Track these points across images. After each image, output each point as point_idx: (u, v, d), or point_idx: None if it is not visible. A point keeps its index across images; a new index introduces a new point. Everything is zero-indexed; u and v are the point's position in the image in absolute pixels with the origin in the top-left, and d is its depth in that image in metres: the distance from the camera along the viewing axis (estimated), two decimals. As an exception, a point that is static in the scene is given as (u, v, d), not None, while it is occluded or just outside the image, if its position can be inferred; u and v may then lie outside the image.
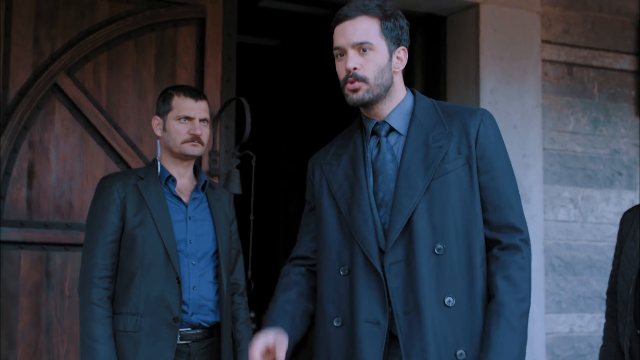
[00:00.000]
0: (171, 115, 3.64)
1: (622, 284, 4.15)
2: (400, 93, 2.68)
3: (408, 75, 5.44)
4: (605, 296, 4.38)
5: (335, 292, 2.64)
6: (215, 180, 4.57)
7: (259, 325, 7.11)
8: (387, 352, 2.55)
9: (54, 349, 4.39)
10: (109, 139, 4.53)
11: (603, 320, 4.38)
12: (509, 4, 5.27)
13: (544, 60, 5.38)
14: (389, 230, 2.56)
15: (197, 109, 3.64)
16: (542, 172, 5.31)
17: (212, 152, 4.59)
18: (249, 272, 4.32)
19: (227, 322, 3.62)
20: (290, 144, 7.44)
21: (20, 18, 4.41)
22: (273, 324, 2.66)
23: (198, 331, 3.56)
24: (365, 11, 2.59)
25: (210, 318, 3.59)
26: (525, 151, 5.24)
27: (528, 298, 2.57)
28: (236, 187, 4.47)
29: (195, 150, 3.62)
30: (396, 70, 2.64)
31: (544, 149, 5.34)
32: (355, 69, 2.56)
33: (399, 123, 2.66)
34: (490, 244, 2.60)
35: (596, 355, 4.71)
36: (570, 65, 5.48)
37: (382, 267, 2.56)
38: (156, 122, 3.70)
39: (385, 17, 2.59)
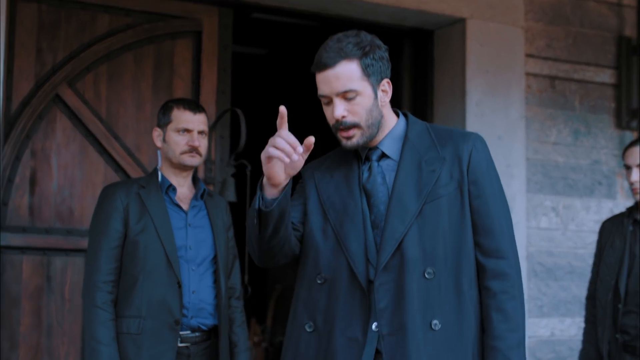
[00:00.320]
0: (171, 127, 3.72)
1: (601, 290, 4.27)
2: (390, 121, 2.65)
3: (396, 88, 5.48)
4: (584, 301, 4.49)
5: (309, 298, 2.61)
6: (211, 188, 4.66)
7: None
8: None
9: (54, 350, 4.44)
10: (108, 147, 4.60)
11: (583, 325, 4.48)
12: (494, 19, 5.28)
13: (527, 74, 5.40)
14: (380, 252, 2.53)
15: (196, 121, 3.72)
16: (525, 182, 5.34)
17: (208, 161, 4.67)
18: (246, 277, 4.43)
19: (224, 325, 3.71)
20: None
21: (23, 30, 4.48)
22: None
23: (197, 334, 3.64)
24: (344, 55, 2.53)
25: (209, 321, 3.67)
26: (509, 161, 5.28)
27: (522, 326, 2.56)
28: (231, 195, 4.57)
29: (194, 161, 3.71)
30: (383, 104, 2.62)
31: (527, 159, 5.37)
32: (343, 117, 2.54)
33: (391, 148, 2.64)
34: (480, 269, 2.58)
35: (576, 358, 4.80)
36: (552, 78, 5.49)
37: (368, 285, 2.53)
38: (156, 133, 3.78)
39: (364, 54, 2.55)
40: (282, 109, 2.44)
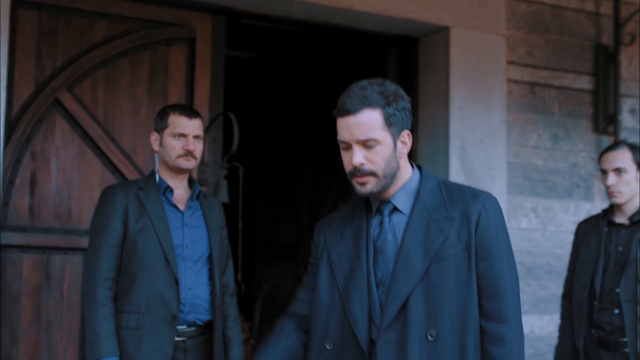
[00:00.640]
0: (167, 131, 3.84)
1: (578, 288, 4.36)
2: (405, 173, 2.60)
3: None
4: (560, 299, 4.56)
5: None
6: (204, 189, 4.70)
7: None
8: None
9: (53, 346, 4.50)
10: (105, 150, 4.66)
11: (559, 321, 4.54)
12: (476, 27, 5.33)
13: (508, 80, 5.45)
14: (384, 312, 2.49)
15: (191, 126, 3.83)
16: (506, 184, 5.39)
17: (201, 163, 4.74)
18: (239, 275, 4.55)
19: (219, 320, 3.83)
20: (264, 154, 7.47)
21: (24, 37, 4.52)
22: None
23: (193, 328, 3.76)
24: (367, 103, 2.48)
25: (205, 316, 3.79)
26: (490, 164, 5.32)
27: None
28: (224, 196, 4.67)
29: (189, 164, 3.83)
30: (401, 155, 2.57)
31: (508, 162, 5.41)
32: (362, 164, 2.50)
33: (403, 203, 2.58)
34: (481, 332, 2.52)
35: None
36: (532, 84, 5.54)
37: (370, 349, 2.51)
38: (154, 137, 3.89)
39: (387, 104, 2.50)
40: None
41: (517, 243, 5.41)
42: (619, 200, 4.29)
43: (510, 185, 5.44)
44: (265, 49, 7.38)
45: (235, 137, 4.64)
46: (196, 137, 3.85)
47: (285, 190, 7.08)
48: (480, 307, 2.51)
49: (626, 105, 5.83)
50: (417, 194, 2.58)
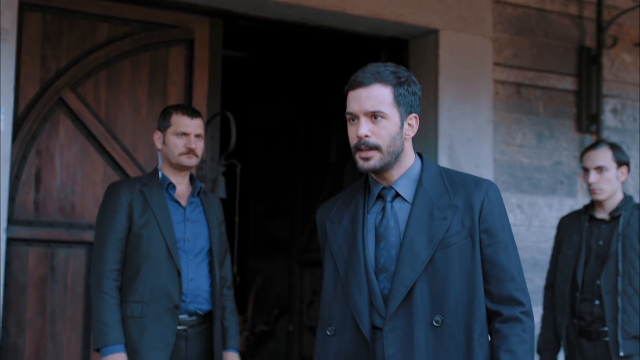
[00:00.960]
0: (170, 130, 3.96)
1: (560, 280, 4.46)
2: (409, 159, 2.59)
3: None
4: (543, 291, 4.66)
5: (323, 350, 2.59)
6: (202, 185, 4.88)
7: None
8: None
9: (57, 335, 4.57)
10: (107, 147, 4.74)
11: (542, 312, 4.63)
12: (464, 30, 5.39)
13: (495, 81, 5.49)
14: (390, 299, 2.48)
15: (193, 125, 3.97)
16: (492, 181, 5.45)
17: (200, 161, 4.87)
18: (235, 268, 4.68)
19: (218, 311, 3.96)
20: (257, 151, 7.49)
21: (30, 39, 4.61)
22: None
23: (194, 318, 3.89)
24: (379, 79, 2.50)
25: (205, 306, 3.92)
26: (477, 162, 5.36)
27: None
28: (222, 192, 4.76)
29: (190, 161, 3.96)
30: (407, 137, 2.56)
31: (495, 160, 5.46)
32: (367, 136, 2.49)
33: (406, 190, 2.57)
34: (491, 316, 2.52)
35: (536, 343, 4.86)
36: (518, 85, 5.59)
37: (373, 335, 2.50)
38: (157, 136, 4.01)
39: (398, 84, 2.51)
40: None
41: None
42: (600, 197, 4.38)
43: (497, 182, 5.45)
44: (259, 49, 7.42)
45: (233, 136, 4.74)
46: (197, 135, 3.97)
47: (278, 186, 7.08)
48: (488, 292, 2.51)
49: (608, 105, 5.88)
50: (420, 182, 2.57)
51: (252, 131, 7.46)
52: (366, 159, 2.51)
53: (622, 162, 4.42)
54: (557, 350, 4.57)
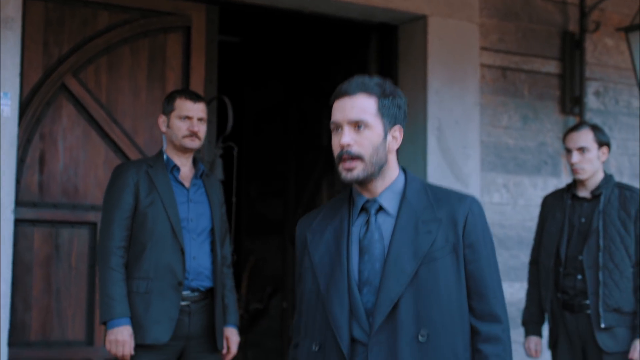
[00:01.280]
0: (174, 114, 4.07)
1: (544, 256, 4.54)
2: (393, 172, 2.55)
3: None
4: (528, 266, 4.73)
5: None
6: None
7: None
8: None
9: (63, 311, 4.70)
10: (108, 131, 4.84)
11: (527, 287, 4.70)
12: (452, 16, 5.47)
13: (482, 65, 5.56)
14: (375, 313, 2.43)
15: (196, 109, 4.07)
16: (479, 162, 5.50)
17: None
18: (232, 247, 4.82)
19: (219, 287, 4.08)
20: (249, 133, 7.57)
21: (32, 27, 4.69)
22: None
23: (196, 294, 4.01)
24: (364, 89, 2.49)
25: (206, 283, 4.04)
26: (465, 143, 5.46)
27: None
28: (219, 174, 4.87)
29: (194, 144, 4.07)
30: (390, 149, 2.52)
31: (482, 141, 5.54)
32: (349, 145, 2.46)
33: (389, 203, 2.52)
34: (473, 332, 2.49)
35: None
36: (504, 69, 5.66)
37: (353, 350, 2.45)
38: (162, 120, 4.12)
39: (383, 95, 2.50)
40: None
41: (490, 216, 5.17)
42: (582, 176, 4.46)
43: (484, 162, 5.56)
44: (251, 34, 7.45)
45: (230, 119, 4.85)
46: (200, 119, 4.08)
47: (270, 167, 7.17)
48: (471, 308, 2.49)
49: (591, 88, 5.96)
50: (404, 195, 2.53)
51: (244, 114, 7.53)
52: (349, 170, 2.47)
53: (603, 142, 4.49)
54: (542, 323, 4.66)
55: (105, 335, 3.90)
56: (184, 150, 4.09)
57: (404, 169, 2.61)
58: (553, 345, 4.58)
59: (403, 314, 2.42)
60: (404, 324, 2.42)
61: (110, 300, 3.86)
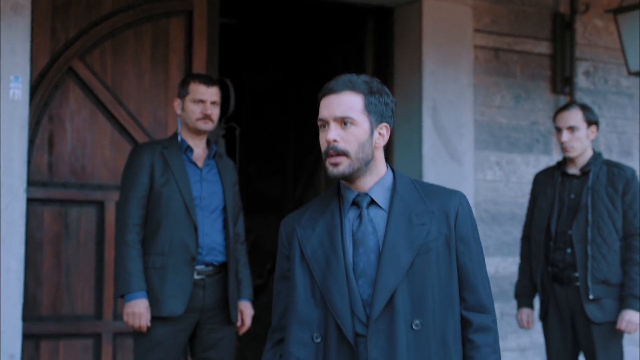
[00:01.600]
0: (188, 98, 4.18)
1: (536, 231, 4.63)
2: (381, 168, 2.57)
3: (361, 60, 5.74)
4: (520, 241, 4.83)
5: (308, 358, 2.52)
6: None
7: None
8: None
9: (72, 287, 4.80)
10: (114, 113, 4.92)
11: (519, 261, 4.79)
12: None
13: (475, 46, 5.61)
14: (373, 303, 2.45)
15: (209, 93, 4.18)
16: (473, 140, 5.57)
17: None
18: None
19: (232, 263, 4.21)
20: (248, 113, 7.68)
21: (40, 12, 4.76)
22: None
23: (210, 268, 4.13)
24: (351, 87, 2.51)
25: (219, 258, 4.16)
26: (459, 123, 5.53)
27: None
28: (222, 154, 4.99)
29: (207, 126, 4.19)
30: (377, 145, 2.53)
31: (475, 120, 5.60)
32: (335, 141, 2.47)
33: (380, 197, 2.54)
34: (464, 323, 2.54)
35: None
36: (497, 50, 5.70)
37: (356, 337, 2.47)
38: (177, 103, 4.23)
39: (370, 93, 2.51)
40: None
41: (483, 193, 5.62)
42: (571, 154, 4.52)
43: (477, 141, 5.63)
44: (249, 16, 7.49)
45: (232, 101, 4.98)
46: (213, 102, 4.19)
47: (269, 147, 7.26)
48: (462, 299, 2.54)
49: (581, 68, 6.00)
50: (394, 189, 2.55)
51: (243, 95, 7.61)
52: (335, 165, 2.49)
53: (592, 121, 4.56)
54: (533, 296, 4.75)
55: (123, 308, 4.02)
56: (197, 132, 4.19)
57: (391, 168, 2.63)
58: (543, 316, 4.66)
59: (399, 303, 2.45)
60: (400, 313, 2.44)
61: (128, 275, 3.98)
